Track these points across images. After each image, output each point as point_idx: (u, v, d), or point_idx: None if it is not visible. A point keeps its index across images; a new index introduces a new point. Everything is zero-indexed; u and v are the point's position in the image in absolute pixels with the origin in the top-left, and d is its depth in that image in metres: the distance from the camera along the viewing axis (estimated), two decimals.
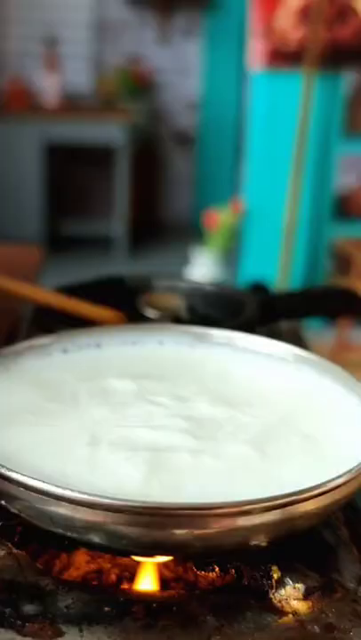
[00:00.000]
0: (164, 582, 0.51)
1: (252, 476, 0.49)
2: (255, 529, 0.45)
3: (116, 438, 0.52)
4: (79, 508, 0.43)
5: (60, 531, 0.47)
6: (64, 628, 0.45)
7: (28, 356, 0.65)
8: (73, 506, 0.44)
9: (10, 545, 0.51)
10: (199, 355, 0.68)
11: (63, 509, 0.44)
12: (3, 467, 0.46)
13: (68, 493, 0.44)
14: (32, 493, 0.45)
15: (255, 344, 0.69)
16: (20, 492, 0.45)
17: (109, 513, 0.43)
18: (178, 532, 0.43)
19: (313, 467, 0.51)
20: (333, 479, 0.46)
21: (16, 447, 0.51)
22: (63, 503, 0.44)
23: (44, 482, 0.44)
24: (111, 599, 0.47)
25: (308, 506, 0.45)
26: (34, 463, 0.49)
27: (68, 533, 0.46)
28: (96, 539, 0.45)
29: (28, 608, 0.46)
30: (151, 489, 0.47)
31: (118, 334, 0.69)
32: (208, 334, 0.70)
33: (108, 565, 0.52)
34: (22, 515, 0.48)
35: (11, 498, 0.47)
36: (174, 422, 0.55)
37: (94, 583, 0.51)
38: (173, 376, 0.63)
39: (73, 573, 0.51)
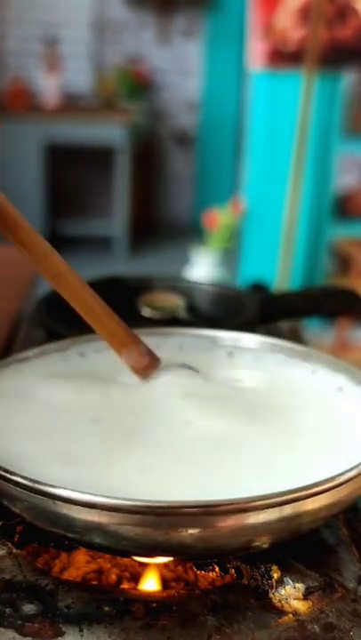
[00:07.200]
0: (164, 582, 0.51)
1: (261, 473, 0.49)
2: (261, 527, 0.44)
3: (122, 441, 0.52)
4: (79, 508, 0.43)
5: (61, 531, 0.47)
6: (64, 628, 0.45)
7: (42, 359, 0.65)
8: (73, 506, 0.44)
9: (10, 545, 0.51)
10: (220, 358, 0.68)
11: (64, 509, 0.44)
12: (3, 469, 0.46)
13: (68, 493, 0.44)
14: (32, 494, 0.45)
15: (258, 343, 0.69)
16: (21, 492, 0.45)
17: (109, 513, 0.43)
18: (181, 531, 0.43)
19: (325, 461, 0.51)
20: (343, 473, 0.46)
21: (18, 449, 0.51)
22: (63, 503, 0.44)
23: (44, 482, 0.44)
24: (111, 599, 0.47)
25: (319, 501, 0.45)
26: (36, 465, 0.49)
27: (69, 534, 0.46)
28: (96, 539, 0.45)
29: (28, 608, 0.46)
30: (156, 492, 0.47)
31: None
32: (215, 336, 0.70)
33: (108, 565, 0.52)
34: (23, 515, 0.48)
35: (12, 498, 0.47)
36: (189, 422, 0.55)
37: (94, 583, 0.51)
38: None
39: (73, 573, 0.51)
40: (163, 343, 0.68)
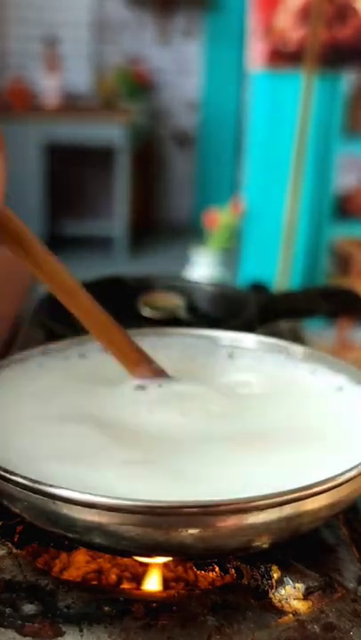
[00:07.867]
0: (164, 582, 0.51)
1: (260, 472, 0.49)
2: (261, 527, 0.44)
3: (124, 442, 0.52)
4: (79, 508, 0.43)
5: (61, 531, 0.47)
6: (64, 628, 0.45)
7: (42, 359, 0.65)
8: (73, 506, 0.44)
9: (10, 545, 0.51)
10: (220, 358, 0.68)
11: (64, 509, 0.44)
12: (3, 469, 0.46)
13: (68, 493, 0.44)
14: (32, 494, 0.45)
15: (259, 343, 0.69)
16: (21, 492, 0.45)
17: (109, 513, 0.43)
18: (181, 531, 0.43)
19: (325, 461, 0.51)
20: (343, 473, 0.46)
21: (18, 448, 0.51)
22: (63, 503, 0.44)
23: (44, 482, 0.44)
24: (111, 599, 0.47)
25: (319, 501, 0.45)
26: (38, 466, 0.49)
27: (69, 534, 0.46)
28: (96, 539, 0.45)
29: (28, 608, 0.46)
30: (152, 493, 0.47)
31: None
32: (215, 336, 0.70)
33: (108, 565, 0.52)
34: (23, 515, 0.48)
35: (12, 498, 0.47)
36: (186, 424, 0.55)
37: (94, 583, 0.51)
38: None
39: (73, 573, 0.51)
40: (163, 343, 0.68)
